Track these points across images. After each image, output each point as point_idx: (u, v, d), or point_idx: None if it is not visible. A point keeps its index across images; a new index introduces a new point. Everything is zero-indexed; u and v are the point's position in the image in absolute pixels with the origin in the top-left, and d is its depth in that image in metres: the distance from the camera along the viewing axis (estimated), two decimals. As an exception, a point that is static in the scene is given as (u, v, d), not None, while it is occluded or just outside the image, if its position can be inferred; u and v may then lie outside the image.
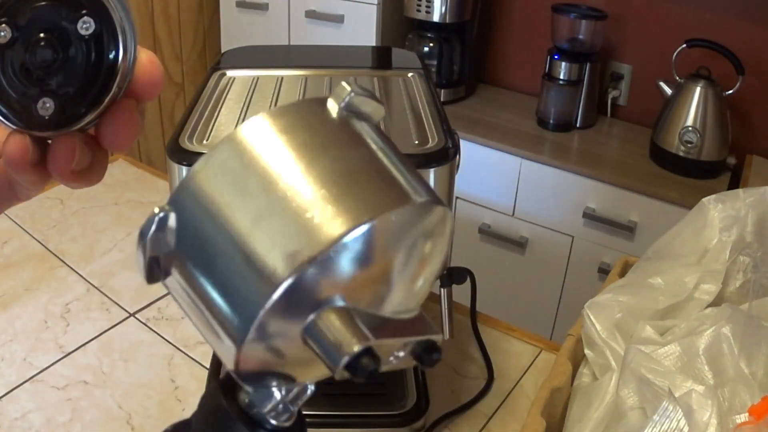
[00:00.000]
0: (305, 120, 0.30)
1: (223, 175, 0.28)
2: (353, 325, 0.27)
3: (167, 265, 0.29)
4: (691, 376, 0.53)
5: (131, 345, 0.81)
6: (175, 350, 0.80)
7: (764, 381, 0.52)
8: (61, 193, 1.13)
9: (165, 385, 0.76)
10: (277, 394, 0.31)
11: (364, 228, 0.26)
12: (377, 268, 0.28)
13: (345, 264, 0.26)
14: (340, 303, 0.27)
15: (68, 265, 0.95)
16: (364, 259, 0.27)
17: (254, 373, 0.29)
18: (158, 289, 1.03)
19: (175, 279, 0.30)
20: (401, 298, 0.30)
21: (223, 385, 0.31)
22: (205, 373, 0.77)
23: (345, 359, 0.26)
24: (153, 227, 0.29)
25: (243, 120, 0.64)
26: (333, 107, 0.30)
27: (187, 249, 0.29)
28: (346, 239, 0.26)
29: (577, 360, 0.66)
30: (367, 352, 0.26)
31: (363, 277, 0.27)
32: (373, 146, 0.30)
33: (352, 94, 0.30)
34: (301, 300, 0.26)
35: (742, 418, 0.48)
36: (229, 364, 0.28)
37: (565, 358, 0.63)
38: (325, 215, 0.26)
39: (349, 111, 0.30)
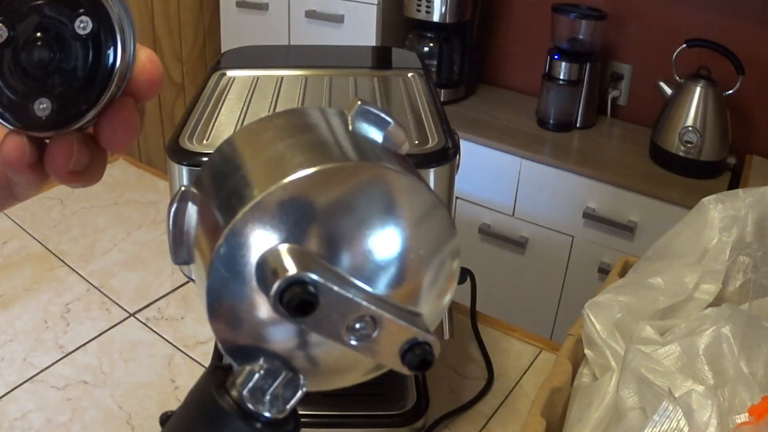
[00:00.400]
0: (305, 117, 0.32)
1: (226, 151, 0.32)
2: (299, 258, 0.27)
3: (191, 248, 0.31)
4: (691, 376, 0.53)
5: (131, 345, 0.81)
6: (175, 350, 0.80)
7: (764, 381, 0.52)
8: (61, 193, 1.13)
9: (165, 385, 0.76)
10: (268, 385, 0.30)
11: (308, 173, 0.27)
12: (334, 221, 0.28)
13: (297, 205, 0.27)
14: (297, 245, 0.28)
15: (68, 265, 0.95)
16: (316, 204, 0.28)
17: (231, 330, 0.29)
18: (158, 289, 1.03)
19: (197, 266, 0.31)
20: (372, 272, 0.29)
21: (213, 379, 0.31)
22: (205, 373, 0.77)
23: (277, 284, 0.26)
24: (177, 198, 0.31)
25: (244, 120, 0.64)
26: (347, 117, 0.32)
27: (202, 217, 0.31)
28: (293, 182, 0.27)
29: (577, 360, 0.66)
30: (303, 283, 0.27)
31: (321, 227, 0.28)
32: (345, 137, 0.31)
33: (364, 107, 0.31)
34: (259, 234, 0.27)
35: (742, 418, 0.48)
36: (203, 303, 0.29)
37: (565, 358, 0.63)
38: (290, 164, 0.28)
39: (358, 120, 0.31)
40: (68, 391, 0.74)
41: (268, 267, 0.27)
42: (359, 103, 0.31)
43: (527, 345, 0.84)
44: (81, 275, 0.93)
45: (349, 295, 0.28)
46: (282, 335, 0.30)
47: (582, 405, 0.60)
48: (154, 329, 0.84)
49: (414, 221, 0.30)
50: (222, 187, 0.30)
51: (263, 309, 0.29)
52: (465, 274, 0.81)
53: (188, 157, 0.57)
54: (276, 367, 0.30)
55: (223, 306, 0.29)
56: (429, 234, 0.30)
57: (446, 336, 0.67)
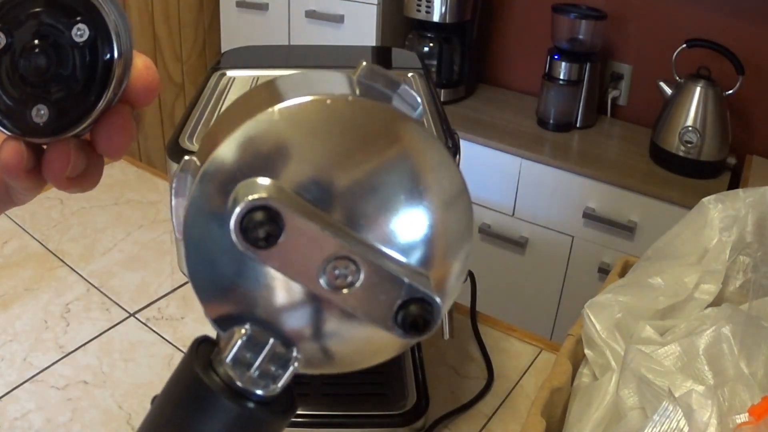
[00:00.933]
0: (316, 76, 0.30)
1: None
2: (268, 188, 0.25)
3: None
4: (691, 376, 0.53)
5: (131, 345, 0.81)
6: (175, 350, 0.80)
7: (764, 381, 0.52)
8: (61, 193, 1.13)
9: (165, 385, 0.76)
10: (254, 357, 0.28)
11: (292, 104, 0.25)
12: (316, 156, 0.26)
13: (277, 139, 0.26)
14: (275, 182, 0.26)
15: (68, 265, 0.95)
16: (295, 138, 0.26)
17: (210, 288, 0.27)
18: (158, 289, 1.03)
19: None
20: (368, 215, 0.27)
21: (197, 355, 0.29)
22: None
23: (237, 209, 0.24)
24: (180, 168, 0.29)
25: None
26: (352, 79, 0.29)
27: None
28: (275, 114, 0.25)
29: (577, 360, 0.66)
30: (266, 210, 0.24)
31: (304, 164, 0.26)
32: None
33: (370, 68, 0.29)
34: (235, 171, 0.26)
35: (742, 418, 0.48)
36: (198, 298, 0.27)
37: (565, 358, 0.63)
38: (277, 100, 0.26)
39: (362, 82, 0.29)
40: (68, 391, 0.74)
41: (235, 199, 0.25)
42: (365, 63, 0.28)
43: (527, 345, 0.84)
44: (81, 275, 0.93)
45: (319, 227, 0.25)
46: (259, 286, 0.27)
47: (582, 405, 0.60)
48: (154, 329, 0.84)
49: (419, 170, 0.26)
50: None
51: (238, 254, 0.26)
52: (465, 274, 0.81)
53: (188, 157, 0.57)
54: (262, 334, 0.28)
55: (201, 259, 0.27)
56: (439, 188, 0.27)
57: (446, 336, 0.67)
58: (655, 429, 0.46)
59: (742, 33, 1.71)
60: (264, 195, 0.24)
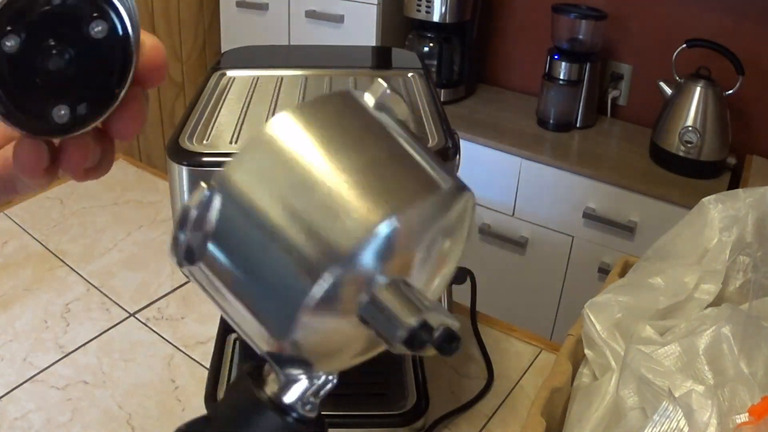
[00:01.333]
0: (331, 114, 0.30)
1: (255, 174, 0.29)
2: (407, 300, 0.28)
3: (200, 252, 0.30)
4: (691, 376, 0.53)
5: (131, 345, 0.81)
6: (175, 350, 0.80)
7: (764, 381, 0.52)
8: (61, 193, 1.13)
9: (165, 385, 0.76)
10: (304, 384, 0.32)
11: (394, 219, 0.27)
12: (411, 250, 0.30)
13: (379, 253, 0.28)
14: (386, 280, 0.29)
15: (68, 265, 0.95)
16: (399, 245, 0.28)
17: (289, 358, 0.30)
18: (158, 289, 1.02)
19: (204, 268, 0.30)
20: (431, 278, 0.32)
21: (251, 374, 0.33)
22: (205, 373, 0.77)
23: (402, 333, 0.28)
24: (196, 199, 0.29)
25: (244, 120, 0.64)
26: (369, 100, 0.31)
27: (224, 240, 0.29)
28: (380, 231, 0.27)
29: (577, 360, 0.66)
30: (423, 325, 0.28)
31: (400, 261, 0.29)
32: (399, 138, 0.31)
33: (387, 92, 0.31)
34: (345, 290, 0.28)
35: (742, 418, 0.48)
36: (265, 347, 0.30)
37: (565, 358, 0.63)
38: (359, 208, 0.27)
39: (379, 107, 0.32)
40: (68, 391, 0.74)
41: (381, 311, 0.28)
42: (383, 84, 0.32)
43: (527, 345, 0.84)
44: (81, 275, 0.93)
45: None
46: (347, 347, 0.32)
47: (582, 405, 0.60)
48: (154, 329, 0.84)
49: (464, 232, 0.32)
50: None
51: (349, 334, 0.30)
52: (465, 274, 0.82)
53: (188, 157, 0.57)
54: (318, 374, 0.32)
55: (305, 330, 0.28)
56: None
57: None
58: (655, 429, 0.46)
59: (742, 33, 1.71)
60: (419, 316, 0.28)
